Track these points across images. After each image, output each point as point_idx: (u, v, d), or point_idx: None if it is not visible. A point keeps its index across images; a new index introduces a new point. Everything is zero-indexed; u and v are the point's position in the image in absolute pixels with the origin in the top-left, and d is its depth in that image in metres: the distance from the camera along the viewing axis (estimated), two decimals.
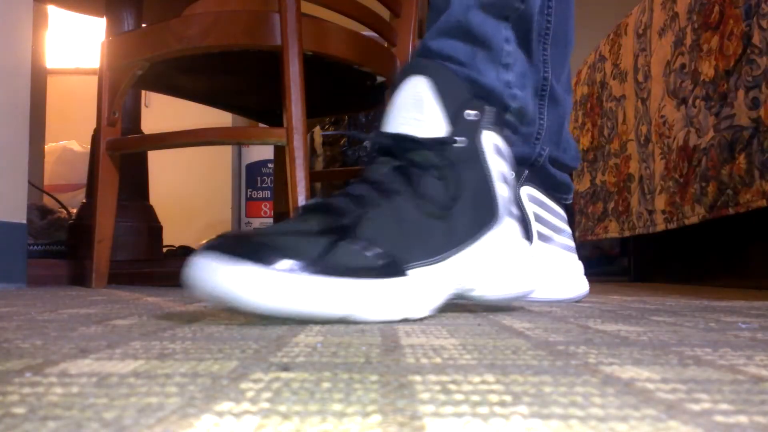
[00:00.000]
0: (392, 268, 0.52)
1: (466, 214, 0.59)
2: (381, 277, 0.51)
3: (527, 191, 0.82)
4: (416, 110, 0.58)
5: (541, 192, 0.84)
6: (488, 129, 0.61)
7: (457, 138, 0.58)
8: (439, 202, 0.56)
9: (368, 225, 0.53)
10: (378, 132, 0.60)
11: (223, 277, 0.46)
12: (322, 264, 0.49)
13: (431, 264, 0.56)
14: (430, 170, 0.57)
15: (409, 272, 0.54)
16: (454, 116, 0.59)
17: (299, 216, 0.54)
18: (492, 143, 0.61)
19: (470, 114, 0.60)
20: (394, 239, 0.54)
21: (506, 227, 0.65)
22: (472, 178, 0.59)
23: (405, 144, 0.57)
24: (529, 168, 0.82)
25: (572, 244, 0.87)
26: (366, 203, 0.54)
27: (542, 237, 0.84)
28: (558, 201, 0.87)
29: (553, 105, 0.85)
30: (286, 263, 0.47)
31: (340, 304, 0.49)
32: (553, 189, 0.86)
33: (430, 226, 0.57)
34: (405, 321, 0.53)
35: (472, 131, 0.60)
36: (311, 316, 0.49)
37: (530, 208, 0.81)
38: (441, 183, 0.57)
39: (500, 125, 0.63)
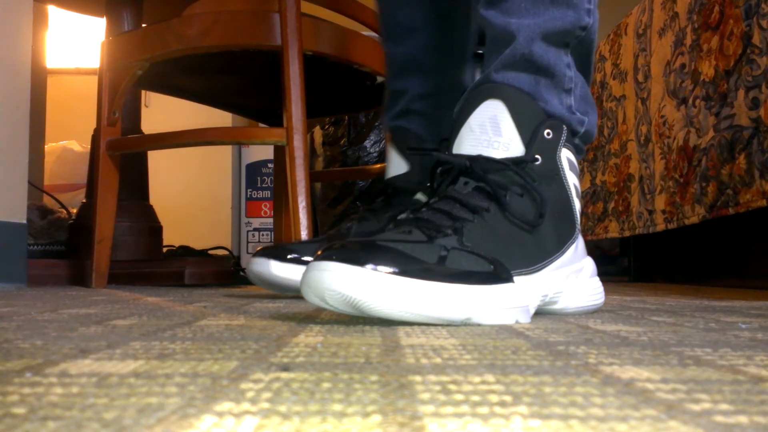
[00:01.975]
0: (504, 273, 0.55)
1: (552, 229, 0.62)
2: (495, 283, 0.53)
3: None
4: (493, 132, 0.61)
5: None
6: (565, 147, 0.64)
7: (535, 156, 0.61)
8: (527, 218, 0.59)
9: (469, 236, 0.56)
10: (454, 154, 0.62)
11: (349, 282, 0.48)
12: (443, 270, 0.51)
13: (530, 273, 0.59)
14: (513, 188, 0.60)
15: (515, 279, 0.56)
16: (531, 136, 0.61)
17: (397, 228, 0.56)
18: (567, 159, 0.64)
19: (549, 133, 0.63)
20: (494, 249, 0.56)
21: (581, 239, 0.68)
22: (554, 194, 0.62)
23: (484, 165, 0.60)
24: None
25: None
26: (457, 218, 0.57)
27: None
28: None
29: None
30: (409, 269, 0.49)
31: (462, 309, 0.51)
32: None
33: (523, 239, 0.59)
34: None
35: (550, 150, 0.63)
36: (434, 320, 0.51)
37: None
38: (525, 199, 0.60)
39: (572, 143, 0.66)
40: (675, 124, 1.58)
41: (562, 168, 0.63)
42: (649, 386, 0.27)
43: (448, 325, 0.51)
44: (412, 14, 0.87)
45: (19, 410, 0.22)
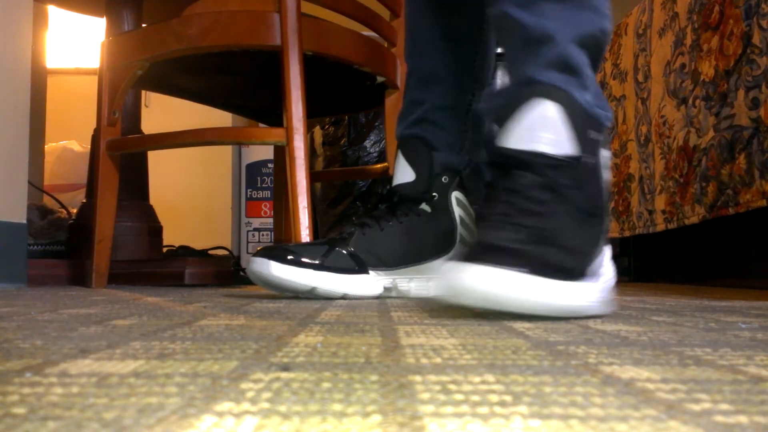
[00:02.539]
0: (595, 270, 0.61)
1: (600, 222, 0.67)
2: (597, 279, 0.61)
3: (456, 195, 0.90)
4: (547, 130, 0.65)
5: (465, 198, 0.91)
6: (604, 147, 0.69)
7: (583, 154, 0.66)
8: (586, 210, 0.64)
9: (555, 231, 0.60)
10: (519, 149, 0.66)
11: (489, 281, 0.53)
12: (554, 267, 0.56)
13: (599, 267, 0.64)
14: (570, 182, 0.64)
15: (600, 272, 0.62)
16: (580, 136, 0.66)
17: (505, 228, 0.61)
18: (605, 159, 0.69)
19: (593, 134, 0.67)
20: (574, 243, 0.61)
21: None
22: (597, 190, 0.67)
23: (543, 160, 0.64)
24: (458, 175, 0.90)
25: None
26: (529, 212, 0.61)
27: (462, 239, 0.91)
28: (473, 205, 0.94)
29: (476, 118, 0.95)
30: (541, 270, 0.55)
31: (586, 305, 0.57)
32: (472, 195, 0.94)
33: (587, 233, 0.65)
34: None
35: (593, 148, 0.68)
36: (562, 315, 0.56)
37: (457, 212, 0.89)
38: (581, 194, 0.64)
39: (608, 141, 0.71)
40: (675, 124, 1.58)
41: (602, 165, 0.68)
42: (649, 386, 0.27)
43: (571, 318, 0.56)
44: (440, 34, 0.93)
45: (19, 410, 0.22)
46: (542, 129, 0.65)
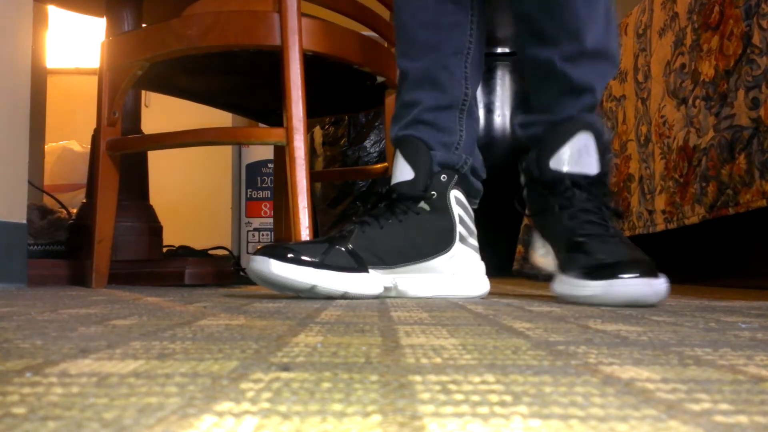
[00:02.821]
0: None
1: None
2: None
3: (455, 194, 0.93)
4: (587, 156, 0.86)
5: (464, 196, 0.95)
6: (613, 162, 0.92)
7: (608, 172, 0.87)
8: (617, 214, 0.86)
9: (621, 234, 0.81)
10: (560, 171, 0.85)
11: (621, 292, 0.73)
12: (648, 265, 0.75)
13: None
14: (603, 194, 0.85)
15: None
16: (604, 158, 0.86)
17: (609, 237, 0.82)
18: (613, 170, 0.91)
19: (611, 157, 0.88)
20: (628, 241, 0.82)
21: None
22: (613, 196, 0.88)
23: (587, 180, 0.84)
24: (456, 174, 0.94)
25: (477, 245, 0.97)
26: (592, 223, 0.81)
27: (461, 238, 0.93)
28: (471, 205, 0.98)
29: (469, 118, 0.98)
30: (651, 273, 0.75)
31: (666, 293, 0.75)
32: (469, 194, 0.98)
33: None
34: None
35: (610, 167, 0.89)
36: (660, 301, 0.76)
37: (456, 211, 0.93)
38: (611, 201, 0.84)
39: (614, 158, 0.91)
40: (675, 124, 1.58)
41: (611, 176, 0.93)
42: (649, 386, 0.27)
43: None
44: (431, 35, 0.96)
45: (19, 410, 0.22)
46: (583, 155, 0.84)
